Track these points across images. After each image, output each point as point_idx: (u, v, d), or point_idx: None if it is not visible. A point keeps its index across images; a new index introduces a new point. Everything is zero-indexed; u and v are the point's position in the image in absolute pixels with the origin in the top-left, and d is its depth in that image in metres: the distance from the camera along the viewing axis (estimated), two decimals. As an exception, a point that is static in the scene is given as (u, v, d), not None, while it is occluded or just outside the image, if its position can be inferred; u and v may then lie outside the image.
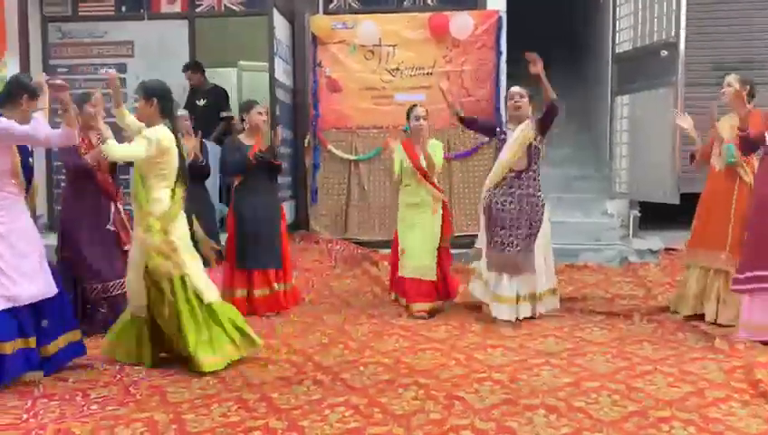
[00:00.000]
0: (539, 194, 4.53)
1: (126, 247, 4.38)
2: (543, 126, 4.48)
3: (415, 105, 5.01)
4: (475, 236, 6.85)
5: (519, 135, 4.48)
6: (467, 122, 4.96)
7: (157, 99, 3.74)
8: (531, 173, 4.50)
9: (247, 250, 4.92)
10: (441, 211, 4.94)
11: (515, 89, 4.58)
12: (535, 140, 4.48)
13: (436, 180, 4.97)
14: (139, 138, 3.66)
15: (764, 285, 3.97)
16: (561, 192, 7.29)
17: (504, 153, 4.57)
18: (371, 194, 7.04)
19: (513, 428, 2.85)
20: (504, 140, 4.61)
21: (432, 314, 4.80)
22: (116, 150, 3.67)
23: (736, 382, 3.34)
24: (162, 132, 3.67)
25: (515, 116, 4.57)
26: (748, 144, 4.15)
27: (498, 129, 4.79)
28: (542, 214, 4.58)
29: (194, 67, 6.69)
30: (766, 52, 7.06)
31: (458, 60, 6.89)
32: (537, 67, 4.24)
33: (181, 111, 4.93)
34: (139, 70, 6.67)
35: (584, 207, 7.19)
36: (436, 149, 4.90)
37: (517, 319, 4.52)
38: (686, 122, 4.81)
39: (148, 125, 3.74)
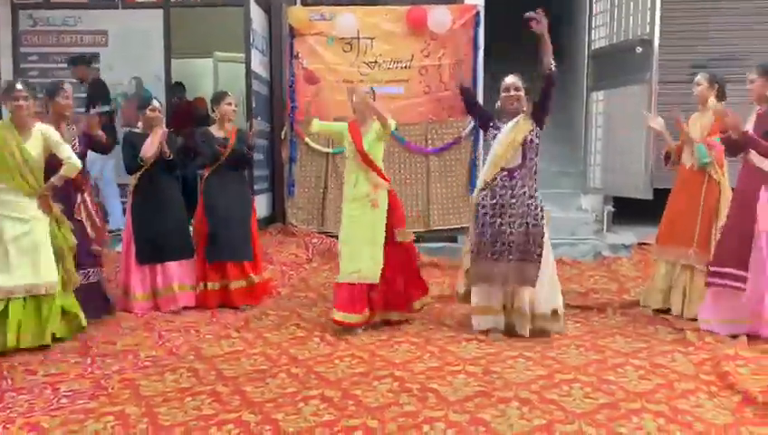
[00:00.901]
0: (536, 195, 4.00)
1: (92, 238, 4.35)
2: (541, 110, 4.02)
3: (354, 87, 4.54)
4: (455, 230, 6.98)
5: (512, 129, 4.01)
6: (468, 97, 4.40)
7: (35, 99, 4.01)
8: (524, 171, 3.98)
9: (220, 242, 4.88)
10: (387, 203, 4.32)
11: (510, 79, 4.06)
12: (531, 133, 3.99)
13: (380, 165, 4.33)
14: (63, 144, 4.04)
15: (732, 283, 4.04)
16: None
17: (494, 149, 4.07)
18: (348, 187, 7.01)
19: (486, 420, 2.87)
20: (496, 136, 4.09)
21: (366, 325, 4.27)
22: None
23: (705, 375, 3.40)
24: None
25: (510, 110, 4.06)
26: (733, 146, 4.14)
27: (492, 123, 4.19)
28: (542, 218, 4.00)
29: (76, 60, 6.47)
30: (741, 49, 7.15)
31: (436, 54, 6.89)
32: (541, 24, 3.87)
33: (154, 103, 4.86)
34: (112, 60, 6.57)
35: (560, 203, 7.26)
36: (371, 133, 4.29)
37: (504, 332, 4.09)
38: (657, 124, 4.87)
39: (30, 124, 3.98)
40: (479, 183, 4.19)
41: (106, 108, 6.42)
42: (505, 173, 4.00)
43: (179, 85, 8.02)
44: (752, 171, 4.05)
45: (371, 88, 4.51)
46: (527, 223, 3.93)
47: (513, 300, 4.04)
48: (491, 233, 3.99)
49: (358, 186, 4.29)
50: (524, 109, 4.05)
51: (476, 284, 4.09)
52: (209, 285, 4.90)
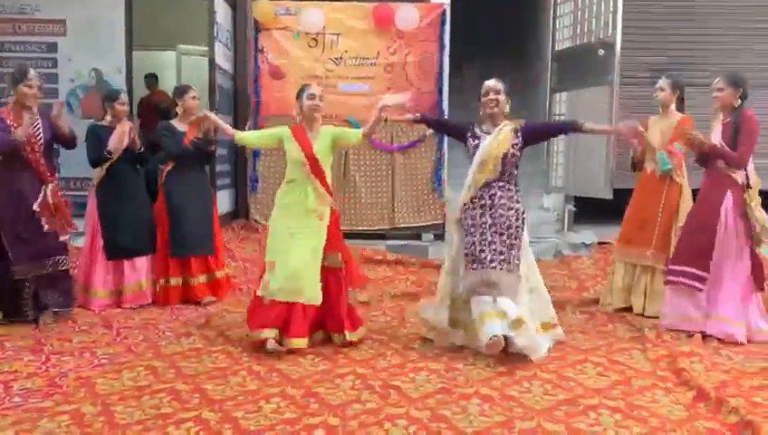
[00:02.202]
0: (516, 206, 3.80)
1: (45, 230, 4.24)
2: (538, 137, 4.01)
3: (308, 84, 4.03)
4: (419, 227, 7.00)
5: (494, 140, 3.79)
6: (431, 123, 4.36)
7: None
8: (502, 183, 3.80)
9: (183, 237, 4.82)
10: (328, 219, 3.91)
11: (490, 83, 3.85)
12: (514, 146, 3.80)
13: (329, 179, 3.94)
14: None
15: (689, 282, 4.13)
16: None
17: (475, 163, 3.83)
18: (313, 184, 6.98)
19: (446, 416, 2.88)
20: (477, 146, 3.84)
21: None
22: None
23: (661, 371, 3.48)
24: None
25: (491, 115, 3.84)
26: (707, 160, 4.21)
27: (468, 133, 3.93)
28: (522, 227, 3.82)
29: None
30: (703, 54, 7.33)
31: (402, 51, 6.90)
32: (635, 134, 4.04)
33: (123, 97, 4.80)
34: (70, 50, 6.40)
35: (522, 202, 7.33)
36: (325, 138, 3.93)
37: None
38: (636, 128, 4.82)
39: None
40: (461, 199, 3.91)
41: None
42: (484, 186, 3.81)
43: (152, 76, 7.86)
44: (717, 176, 4.14)
45: (321, 90, 4.02)
46: (507, 230, 3.74)
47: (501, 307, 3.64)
48: (478, 242, 3.74)
49: (304, 199, 3.84)
50: (505, 113, 3.87)
51: (472, 296, 3.73)
52: (172, 280, 4.83)
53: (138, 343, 3.94)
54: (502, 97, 3.82)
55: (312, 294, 3.77)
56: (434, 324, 3.96)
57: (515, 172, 3.87)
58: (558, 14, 6.93)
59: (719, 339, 4.02)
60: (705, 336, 4.05)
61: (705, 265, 4.10)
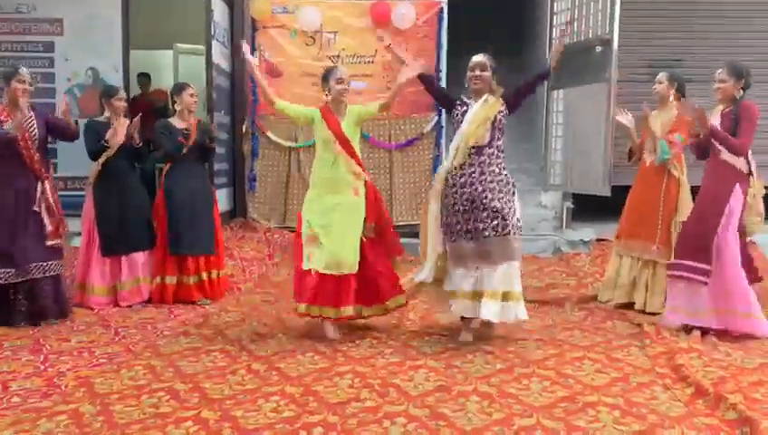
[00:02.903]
0: (504, 172, 3.89)
1: (48, 230, 4.26)
2: (518, 98, 3.98)
3: (335, 67, 4.17)
4: (417, 225, 6.97)
5: (482, 107, 3.90)
6: (427, 81, 4.29)
7: None
8: (493, 150, 3.87)
9: (182, 236, 4.82)
10: (364, 193, 4.11)
11: (478, 58, 3.96)
12: (500, 113, 3.90)
13: (359, 153, 4.12)
14: None
15: (692, 275, 4.10)
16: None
17: (464, 127, 3.90)
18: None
19: (446, 414, 2.88)
20: (465, 112, 3.94)
21: (351, 320, 4.12)
22: None
23: (660, 368, 3.48)
24: None
25: (474, 90, 3.96)
26: (700, 148, 4.21)
27: (458, 102, 4.05)
28: (513, 194, 3.92)
29: None
30: (699, 50, 7.33)
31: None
32: (559, 50, 4.08)
33: (122, 93, 4.82)
34: (67, 49, 6.38)
35: (520, 199, 7.31)
36: (351, 115, 4.09)
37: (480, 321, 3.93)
38: (625, 119, 4.84)
39: None
40: (446, 164, 3.99)
41: None
42: (474, 150, 3.86)
43: (145, 75, 7.85)
44: (721, 169, 4.10)
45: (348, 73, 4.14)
46: (499, 198, 3.80)
47: (483, 283, 3.79)
48: (463, 211, 3.84)
49: (337, 173, 4.00)
50: (492, 88, 3.95)
51: (454, 267, 3.91)
52: (167, 278, 4.82)
53: (136, 342, 3.93)
54: (487, 73, 3.92)
55: (352, 263, 3.96)
56: (428, 281, 4.05)
57: (502, 139, 3.95)
58: (555, 10, 6.92)
59: (718, 335, 4.01)
60: (703, 332, 4.05)
61: (707, 258, 4.04)
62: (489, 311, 3.71)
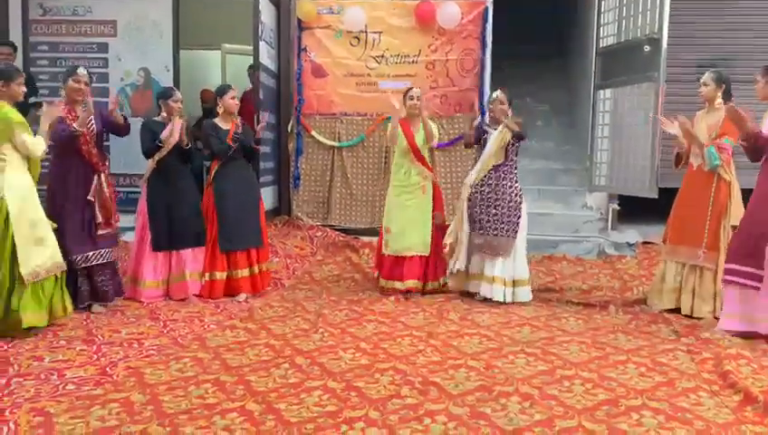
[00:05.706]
0: (516, 185, 4.99)
1: (98, 221, 4.51)
2: (519, 141, 4.99)
3: (411, 87, 5.29)
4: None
5: (498, 137, 4.95)
6: (468, 144, 5.41)
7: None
8: (507, 167, 4.98)
9: (232, 232, 4.96)
10: (432, 190, 5.17)
11: (497, 94, 5.05)
12: (513, 139, 4.92)
13: (427, 159, 5.19)
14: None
15: (746, 281, 4.01)
16: (544, 185, 7.39)
17: (485, 152, 5.02)
18: (354, 181, 7.04)
19: (486, 413, 2.89)
20: (487, 139, 5.03)
21: (409, 294, 5.02)
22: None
23: (706, 373, 3.42)
24: None
25: (494, 118, 5.07)
26: (756, 151, 4.09)
27: (481, 128, 5.18)
28: (521, 203, 4.95)
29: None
30: (749, 49, 7.13)
31: (444, 49, 6.88)
32: (515, 125, 4.88)
33: (179, 94, 5.00)
34: (120, 50, 6.58)
35: (565, 200, 7.27)
36: (423, 131, 5.11)
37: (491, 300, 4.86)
38: (673, 128, 4.70)
39: None
40: (469, 180, 5.08)
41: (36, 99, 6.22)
42: (492, 168, 4.99)
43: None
44: None
45: (419, 91, 5.27)
46: (508, 204, 4.90)
47: (484, 268, 4.95)
48: (480, 212, 4.96)
49: (409, 176, 5.12)
50: (507, 116, 4.97)
51: (474, 254, 5.02)
52: (217, 274, 4.95)
53: (184, 335, 4.05)
54: (505, 106, 5.01)
55: (422, 247, 5.11)
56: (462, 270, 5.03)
57: (516, 158, 5.04)
58: (602, 9, 6.81)
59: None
60: (754, 339, 3.95)
61: (759, 264, 3.94)
62: (488, 290, 4.89)
